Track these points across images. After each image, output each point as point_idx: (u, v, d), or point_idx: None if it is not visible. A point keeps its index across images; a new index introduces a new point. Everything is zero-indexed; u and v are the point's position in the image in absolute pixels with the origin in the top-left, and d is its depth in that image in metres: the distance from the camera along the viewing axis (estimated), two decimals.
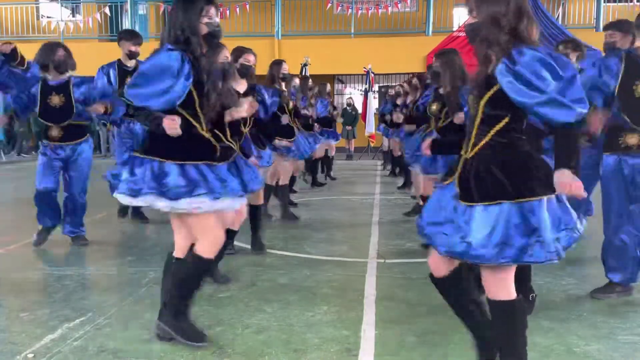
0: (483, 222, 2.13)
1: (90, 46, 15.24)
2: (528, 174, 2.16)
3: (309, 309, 3.56)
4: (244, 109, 3.60)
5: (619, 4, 15.78)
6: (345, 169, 12.12)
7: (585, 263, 4.61)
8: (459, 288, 2.46)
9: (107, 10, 15.86)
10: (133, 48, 5.90)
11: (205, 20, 2.79)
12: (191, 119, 2.82)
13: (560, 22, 13.30)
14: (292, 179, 7.15)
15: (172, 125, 2.68)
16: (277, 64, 5.95)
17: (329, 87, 11.38)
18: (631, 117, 3.46)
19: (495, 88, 2.19)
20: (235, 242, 4.79)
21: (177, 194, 2.70)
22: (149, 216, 6.15)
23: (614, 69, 3.52)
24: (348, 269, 4.49)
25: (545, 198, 2.12)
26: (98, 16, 15.72)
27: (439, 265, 2.42)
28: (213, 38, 2.86)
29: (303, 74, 10.88)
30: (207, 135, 2.90)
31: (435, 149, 2.88)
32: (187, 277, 2.94)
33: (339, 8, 15.83)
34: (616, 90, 3.53)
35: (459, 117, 4.30)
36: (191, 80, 2.74)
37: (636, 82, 3.40)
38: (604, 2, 15.34)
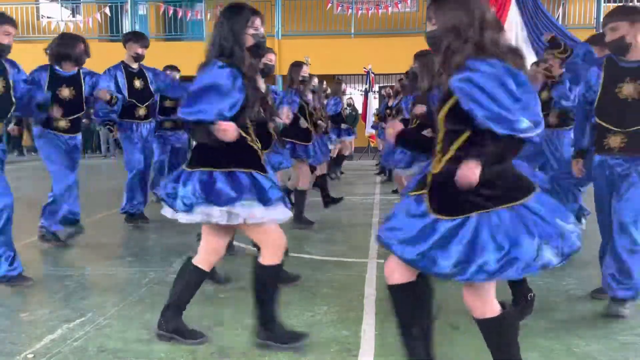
0: (449, 237, 2.06)
1: (90, 46, 15.22)
2: (494, 186, 2.07)
3: (309, 309, 3.56)
4: (284, 116, 3.56)
5: (619, 4, 15.79)
6: (345, 169, 12.12)
7: (586, 263, 4.60)
8: (412, 303, 2.36)
9: (107, 10, 15.87)
10: (140, 50, 5.87)
11: (251, 31, 2.76)
12: (241, 131, 2.75)
13: (560, 23, 13.29)
14: (323, 177, 6.95)
15: (227, 128, 2.63)
16: (296, 65, 5.83)
17: (343, 85, 11.41)
18: (612, 121, 3.39)
19: (452, 100, 2.13)
20: (235, 242, 4.78)
21: (227, 201, 2.67)
22: (149, 216, 6.14)
23: (594, 82, 3.51)
24: (348, 269, 4.49)
25: (515, 204, 2.06)
26: (98, 16, 15.72)
27: (394, 271, 2.31)
28: (258, 49, 2.83)
29: None
30: (256, 145, 2.86)
31: (399, 142, 2.69)
32: (262, 288, 2.92)
33: (339, 8, 15.83)
34: (596, 100, 3.51)
35: (418, 108, 4.14)
36: (244, 94, 2.71)
37: (619, 84, 3.36)
38: (604, 2, 15.34)
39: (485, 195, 2.07)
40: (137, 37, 6.01)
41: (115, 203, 5.85)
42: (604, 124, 3.43)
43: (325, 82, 8.60)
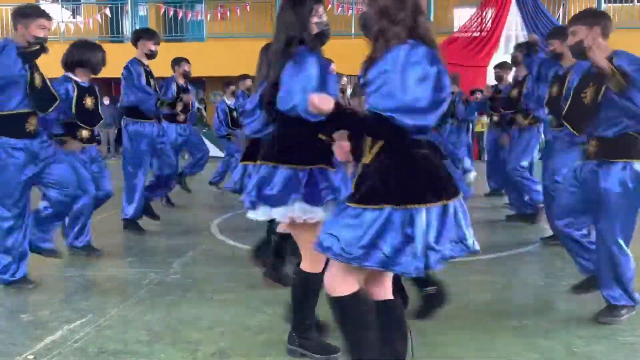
0: (359, 223, 2.02)
1: None
2: (414, 180, 2.04)
3: None
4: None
5: (620, 4, 15.78)
6: None
7: None
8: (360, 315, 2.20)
9: (107, 11, 15.86)
10: (153, 47, 5.71)
11: (315, 19, 2.70)
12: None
13: (560, 23, 13.29)
14: None
15: (344, 150, 2.48)
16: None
17: (344, 79, 11.33)
18: (581, 128, 3.36)
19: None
20: (232, 243, 4.78)
21: (321, 198, 2.59)
22: (146, 219, 6.14)
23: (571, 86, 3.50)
24: None
25: (428, 206, 2.00)
26: (99, 17, 15.72)
27: (334, 282, 2.17)
28: (323, 37, 2.77)
29: None
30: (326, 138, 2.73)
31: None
32: (302, 296, 2.80)
33: (340, 9, 15.82)
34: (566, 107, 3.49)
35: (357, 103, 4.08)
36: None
37: (584, 90, 3.33)
38: (605, 2, 15.33)
39: (402, 190, 2.03)
40: (149, 34, 5.82)
41: (115, 204, 5.84)
42: (574, 130, 3.41)
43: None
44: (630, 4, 15.31)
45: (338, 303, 2.17)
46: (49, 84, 4.08)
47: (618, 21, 15.77)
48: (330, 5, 15.62)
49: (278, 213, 2.63)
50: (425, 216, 2.00)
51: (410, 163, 2.06)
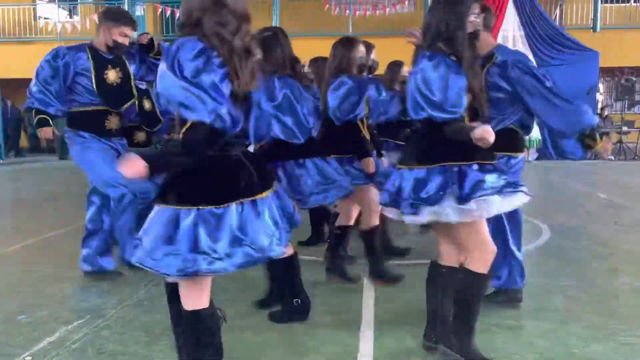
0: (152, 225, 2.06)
1: None
2: (194, 182, 2.04)
3: None
4: None
5: (616, 4, 15.83)
6: None
7: (584, 264, 4.62)
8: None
9: None
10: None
11: (472, 18, 2.60)
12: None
13: (557, 23, 13.31)
14: None
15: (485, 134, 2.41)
16: (397, 65, 5.63)
17: None
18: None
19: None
20: None
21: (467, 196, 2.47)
22: None
23: None
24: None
25: (196, 209, 2.00)
26: (95, 17, 15.69)
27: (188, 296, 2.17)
28: (474, 38, 2.64)
29: None
30: None
31: None
32: (467, 299, 2.67)
33: (337, 9, 15.85)
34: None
35: None
36: (465, 79, 2.52)
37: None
38: (602, 2, 15.38)
39: (182, 191, 2.04)
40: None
41: None
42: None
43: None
44: (628, 5, 15.33)
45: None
46: (131, 80, 4.18)
47: (615, 21, 15.84)
48: (327, 6, 15.64)
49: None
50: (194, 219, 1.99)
51: (202, 165, 2.05)
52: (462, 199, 2.45)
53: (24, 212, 7.45)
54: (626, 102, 15.74)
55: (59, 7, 17.36)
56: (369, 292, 3.89)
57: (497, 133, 2.95)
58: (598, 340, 3.07)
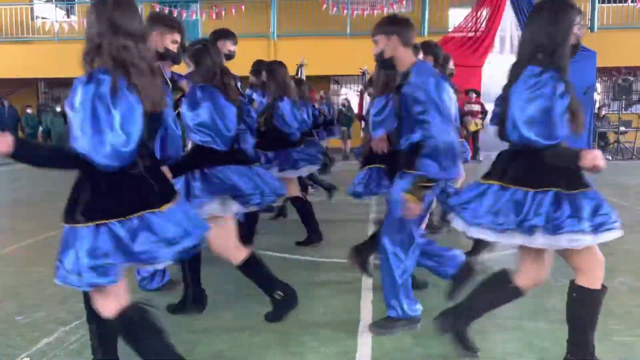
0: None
1: None
2: (96, 196, 2.08)
3: (306, 311, 3.55)
4: None
5: (614, 4, 15.85)
6: (341, 169, 12.11)
7: None
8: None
9: None
10: (232, 47, 5.29)
11: (575, 30, 2.52)
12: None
13: None
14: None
15: (595, 157, 2.29)
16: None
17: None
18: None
19: None
20: None
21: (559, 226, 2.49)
22: None
23: None
24: (345, 271, 4.48)
25: (89, 225, 2.04)
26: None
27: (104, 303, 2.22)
28: (575, 50, 2.53)
29: (299, 75, 10.87)
30: None
31: None
32: (580, 316, 2.69)
33: (335, 9, 15.86)
34: None
35: None
36: (568, 99, 2.41)
37: None
38: (599, 2, 15.40)
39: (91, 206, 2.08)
40: (226, 34, 5.34)
41: None
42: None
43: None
44: (625, 5, 15.36)
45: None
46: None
47: (612, 21, 15.87)
48: (325, 5, 15.65)
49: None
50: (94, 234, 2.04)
51: (108, 180, 2.09)
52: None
53: (22, 212, 7.43)
54: (623, 101, 15.72)
55: (56, 6, 17.32)
56: (367, 292, 3.89)
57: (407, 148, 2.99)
58: (597, 340, 3.07)
